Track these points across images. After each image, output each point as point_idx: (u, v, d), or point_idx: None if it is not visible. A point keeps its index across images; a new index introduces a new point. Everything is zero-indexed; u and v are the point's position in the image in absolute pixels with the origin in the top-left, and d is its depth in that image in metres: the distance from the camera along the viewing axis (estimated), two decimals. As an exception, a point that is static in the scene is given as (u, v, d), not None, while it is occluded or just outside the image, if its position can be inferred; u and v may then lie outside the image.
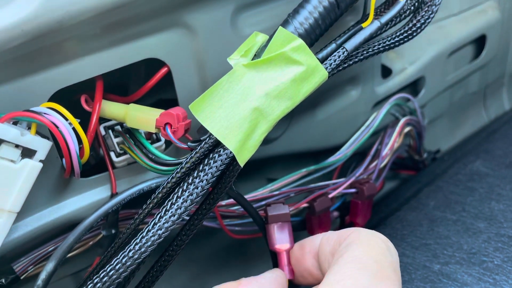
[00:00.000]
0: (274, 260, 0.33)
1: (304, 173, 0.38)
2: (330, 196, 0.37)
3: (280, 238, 0.31)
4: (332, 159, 0.40)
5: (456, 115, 0.59)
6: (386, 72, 0.47)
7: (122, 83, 0.37)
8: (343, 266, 0.24)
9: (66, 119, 0.27)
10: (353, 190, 0.39)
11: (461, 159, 0.50)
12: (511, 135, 0.52)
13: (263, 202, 0.36)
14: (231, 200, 0.36)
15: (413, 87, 0.51)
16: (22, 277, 0.32)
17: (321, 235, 0.29)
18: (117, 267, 0.25)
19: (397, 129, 0.42)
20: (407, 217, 0.43)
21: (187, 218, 0.30)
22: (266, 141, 0.40)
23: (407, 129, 0.44)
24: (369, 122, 0.43)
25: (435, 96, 0.52)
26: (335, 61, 0.29)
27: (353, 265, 0.24)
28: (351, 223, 0.42)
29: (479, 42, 0.55)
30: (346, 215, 0.42)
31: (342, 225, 0.44)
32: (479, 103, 0.62)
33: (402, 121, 0.43)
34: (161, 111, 0.29)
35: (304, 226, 0.39)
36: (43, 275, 0.27)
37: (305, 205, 0.37)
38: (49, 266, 0.27)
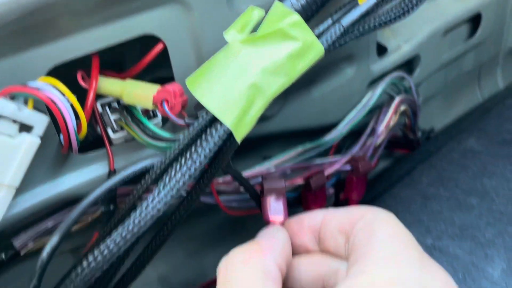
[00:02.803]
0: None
1: (300, 151, 0.39)
2: (326, 173, 0.38)
3: (275, 210, 0.32)
4: (328, 137, 0.41)
5: (450, 94, 0.60)
6: (382, 50, 0.47)
7: (118, 61, 0.36)
8: (384, 243, 0.24)
9: (64, 95, 0.27)
10: (348, 167, 0.40)
11: (455, 137, 0.51)
12: (504, 113, 0.52)
13: (259, 179, 0.36)
14: (228, 177, 0.36)
15: (408, 66, 0.51)
16: (22, 253, 0.32)
17: (322, 211, 0.29)
18: (117, 240, 0.25)
19: (393, 107, 0.43)
20: (400, 194, 0.44)
21: (185, 194, 0.30)
22: (262, 118, 0.40)
23: (402, 107, 0.44)
24: (365, 100, 0.44)
25: (430, 75, 0.53)
26: (331, 37, 0.29)
27: (396, 242, 0.24)
28: (346, 200, 0.43)
29: (475, 21, 0.55)
30: (340, 192, 0.43)
31: (337, 201, 0.45)
32: (474, 83, 0.63)
33: (397, 99, 0.43)
34: (158, 87, 0.29)
35: (299, 202, 0.39)
36: (48, 248, 0.27)
37: (301, 182, 0.38)
38: (54, 239, 0.27)
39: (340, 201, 0.44)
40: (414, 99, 0.46)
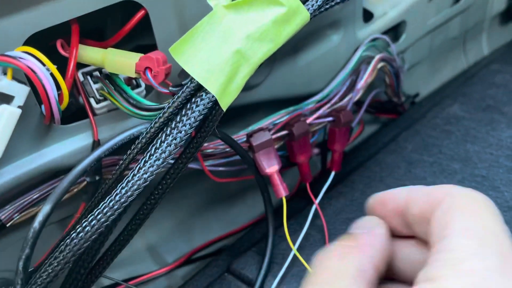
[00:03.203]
0: (261, 186, 0.36)
1: (283, 114, 0.39)
2: (308, 121, 0.38)
3: (268, 163, 0.34)
4: (310, 100, 0.41)
5: (436, 61, 0.60)
6: (368, 16, 0.46)
7: (99, 29, 0.35)
8: (457, 242, 0.20)
9: (43, 64, 0.26)
10: (330, 118, 0.40)
11: (439, 103, 0.51)
12: (488, 79, 0.53)
13: (244, 138, 0.36)
14: (215, 141, 0.36)
15: (395, 32, 0.51)
16: (8, 225, 0.32)
17: (404, 190, 0.25)
18: (104, 210, 0.25)
19: (372, 64, 0.43)
20: (385, 160, 0.45)
21: (172, 161, 0.30)
22: (248, 87, 0.40)
23: (381, 64, 0.44)
24: (347, 62, 0.44)
25: (416, 41, 0.52)
26: (317, 1, 0.29)
27: (472, 241, 0.20)
28: (329, 170, 0.43)
29: (461, -14, 0.55)
30: (327, 160, 0.43)
31: (324, 168, 0.45)
32: (459, 48, 0.63)
33: (377, 57, 0.44)
34: (140, 55, 0.29)
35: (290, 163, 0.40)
36: (40, 217, 0.27)
37: (284, 130, 0.38)
38: (46, 208, 0.27)
39: (325, 170, 0.44)
40: (394, 58, 0.46)
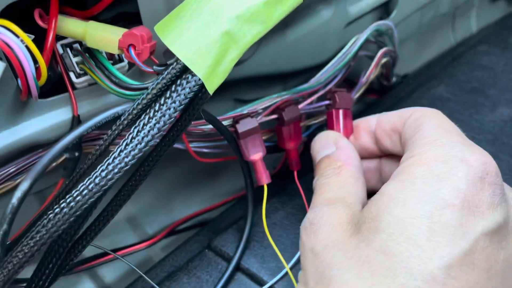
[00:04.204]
0: (244, 170, 0.36)
1: (275, 98, 0.38)
2: (300, 106, 0.37)
3: (253, 150, 0.34)
4: (305, 85, 0.39)
5: (424, 37, 0.59)
6: (360, -9, 0.45)
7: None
8: (429, 132, 0.27)
9: (18, 37, 0.25)
10: (326, 102, 0.38)
11: (425, 83, 0.51)
12: (475, 60, 0.53)
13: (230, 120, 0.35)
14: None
15: (385, 7, 0.49)
16: (-16, 199, 0.31)
17: (375, 116, 0.33)
18: (83, 193, 0.25)
19: (375, 60, 0.42)
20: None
21: (156, 143, 0.30)
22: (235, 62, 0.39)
23: (384, 59, 0.43)
24: (347, 48, 0.41)
25: (406, 17, 0.51)
26: (311, -18, 0.28)
27: (440, 130, 0.27)
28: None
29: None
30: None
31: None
32: (448, 25, 0.62)
33: (381, 52, 0.42)
34: (124, 30, 0.27)
35: (277, 150, 0.39)
36: (18, 194, 0.26)
37: (273, 115, 0.37)
38: (24, 185, 0.26)
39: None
40: (395, 50, 0.45)
